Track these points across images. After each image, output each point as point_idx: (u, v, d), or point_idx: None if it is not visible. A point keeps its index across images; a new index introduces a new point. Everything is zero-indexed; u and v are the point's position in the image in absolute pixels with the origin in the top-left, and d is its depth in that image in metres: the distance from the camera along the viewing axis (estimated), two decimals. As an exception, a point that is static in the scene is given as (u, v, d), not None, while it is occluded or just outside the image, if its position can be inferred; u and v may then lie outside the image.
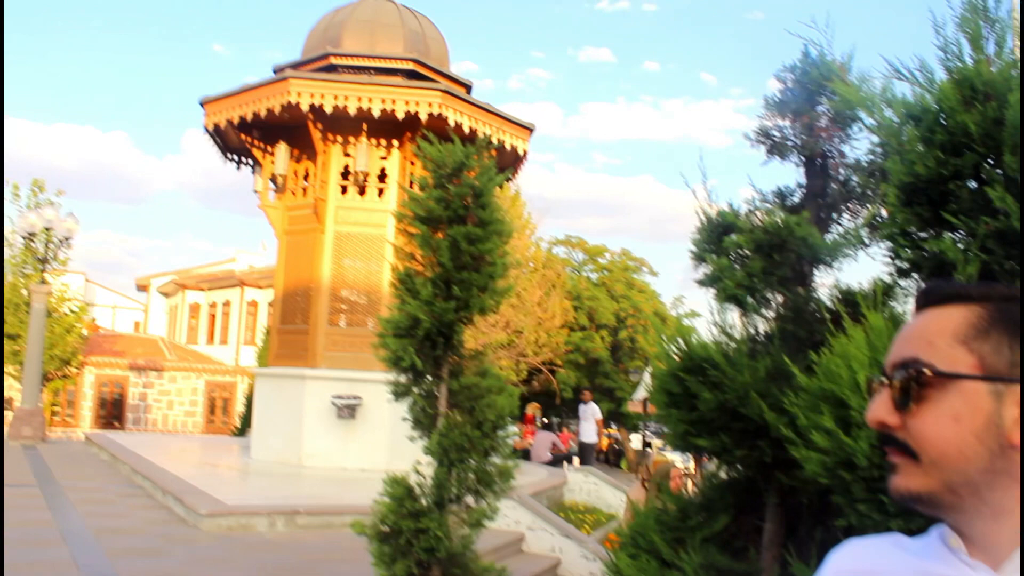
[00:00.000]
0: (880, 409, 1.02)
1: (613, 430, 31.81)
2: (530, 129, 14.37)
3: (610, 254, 38.26)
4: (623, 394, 32.38)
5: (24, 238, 19.96)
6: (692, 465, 10.83)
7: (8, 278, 24.79)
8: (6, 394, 28.50)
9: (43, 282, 18.79)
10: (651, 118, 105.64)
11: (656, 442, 27.34)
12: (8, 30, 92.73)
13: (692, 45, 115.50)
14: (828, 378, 2.32)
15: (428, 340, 4.44)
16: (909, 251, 2.48)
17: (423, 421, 4.48)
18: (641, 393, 24.42)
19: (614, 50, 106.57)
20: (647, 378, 23.18)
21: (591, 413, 20.12)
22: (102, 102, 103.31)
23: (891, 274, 2.69)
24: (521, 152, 14.26)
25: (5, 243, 24.21)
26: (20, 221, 19.64)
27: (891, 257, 2.58)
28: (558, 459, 18.12)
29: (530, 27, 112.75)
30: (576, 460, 18.85)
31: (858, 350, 2.23)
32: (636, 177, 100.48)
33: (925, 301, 1.07)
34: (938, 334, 1.01)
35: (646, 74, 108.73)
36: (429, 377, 4.55)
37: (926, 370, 0.98)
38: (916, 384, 0.99)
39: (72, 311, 27.03)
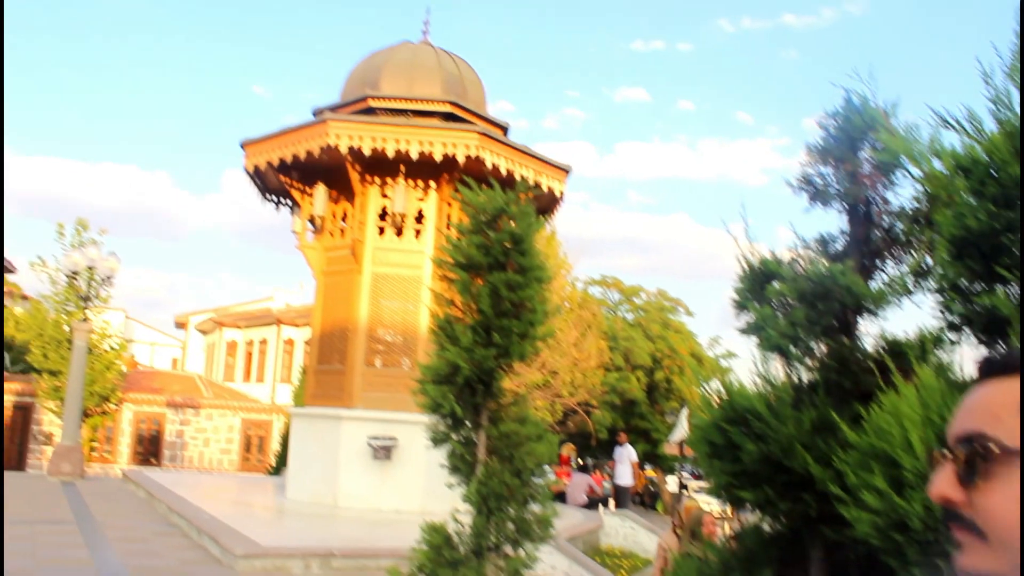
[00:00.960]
0: (943, 484, 0.99)
1: (650, 471, 31.48)
2: (566, 170, 14.40)
3: (646, 294, 38.16)
4: (659, 435, 32.09)
5: (68, 276, 20.33)
6: (728, 510, 10.64)
7: (51, 314, 25.22)
8: (47, 429, 28.87)
9: (85, 319, 19.07)
10: (686, 157, 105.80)
11: (692, 484, 26.98)
12: (56, 73, 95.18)
13: (727, 84, 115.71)
14: (878, 435, 2.27)
15: (468, 387, 4.43)
16: (960, 305, 2.43)
17: (461, 468, 4.45)
18: (677, 435, 24.13)
19: (649, 89, 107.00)
20: (683, 419, 22.93)
21: (627, 455, 19.93)
22: (144, 142, 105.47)
23: (941, 328, 2.64)
24: (558, 193, 14.28)
25: (49, 280, 24.71)
26: (64, 260, 20.00)
27: (942, 311, 2.53)
28: (594, 502, 17.94)
29: (565, 67, 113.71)
30: (611, 503, 18.65)
31: (910, 408, 2.17)
32: (671, 216, 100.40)
33: (988, 371, 1.04)
34: (1004, 408, 0.98)
35: (681, 113, 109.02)
36: (468, 424, 4.52)
37: (992, 446, 0.95)
38: (982, 460, 0.96)
39: (112, 348, 27.36)
